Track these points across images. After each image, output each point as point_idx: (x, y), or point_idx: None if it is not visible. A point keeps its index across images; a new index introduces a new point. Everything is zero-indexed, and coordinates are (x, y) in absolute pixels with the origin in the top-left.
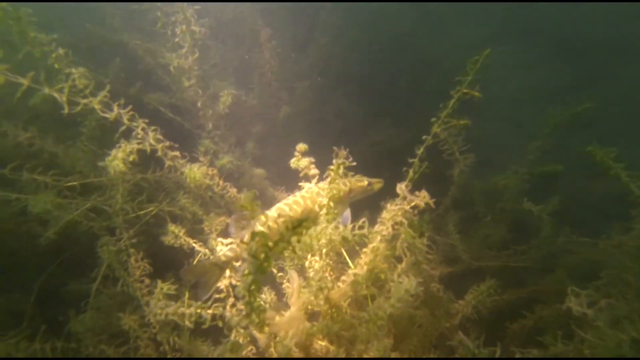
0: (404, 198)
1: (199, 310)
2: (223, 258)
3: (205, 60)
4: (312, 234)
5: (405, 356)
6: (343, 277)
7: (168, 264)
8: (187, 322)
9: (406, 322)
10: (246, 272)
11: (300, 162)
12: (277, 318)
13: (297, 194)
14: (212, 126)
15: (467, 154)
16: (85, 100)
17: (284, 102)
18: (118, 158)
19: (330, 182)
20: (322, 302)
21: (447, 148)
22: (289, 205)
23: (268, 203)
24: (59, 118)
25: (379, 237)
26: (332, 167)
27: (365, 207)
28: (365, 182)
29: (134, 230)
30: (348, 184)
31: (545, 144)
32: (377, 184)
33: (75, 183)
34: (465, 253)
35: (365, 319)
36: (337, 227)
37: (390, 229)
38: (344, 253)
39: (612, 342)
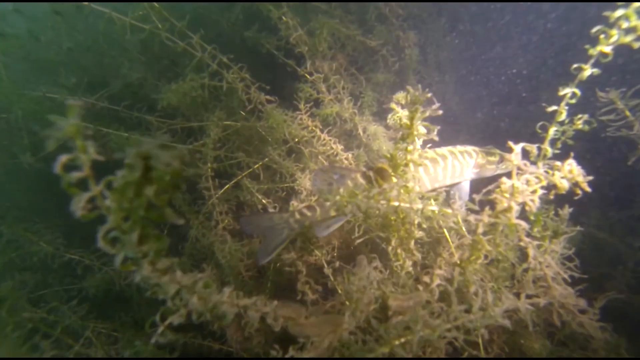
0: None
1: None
2: (297, 215)
3: None
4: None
5: None
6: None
7: None
8: None
9: None
10: None
11: (400, 116)
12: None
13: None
14: (310, 66)
15: None
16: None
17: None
18: (172, 90)
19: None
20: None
21: None
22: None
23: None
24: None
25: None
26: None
27: None
28: (496, 157)
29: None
30: (474, 155)
31: None
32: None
33: (178, 126)
34: None
35: None
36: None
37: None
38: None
39: None
